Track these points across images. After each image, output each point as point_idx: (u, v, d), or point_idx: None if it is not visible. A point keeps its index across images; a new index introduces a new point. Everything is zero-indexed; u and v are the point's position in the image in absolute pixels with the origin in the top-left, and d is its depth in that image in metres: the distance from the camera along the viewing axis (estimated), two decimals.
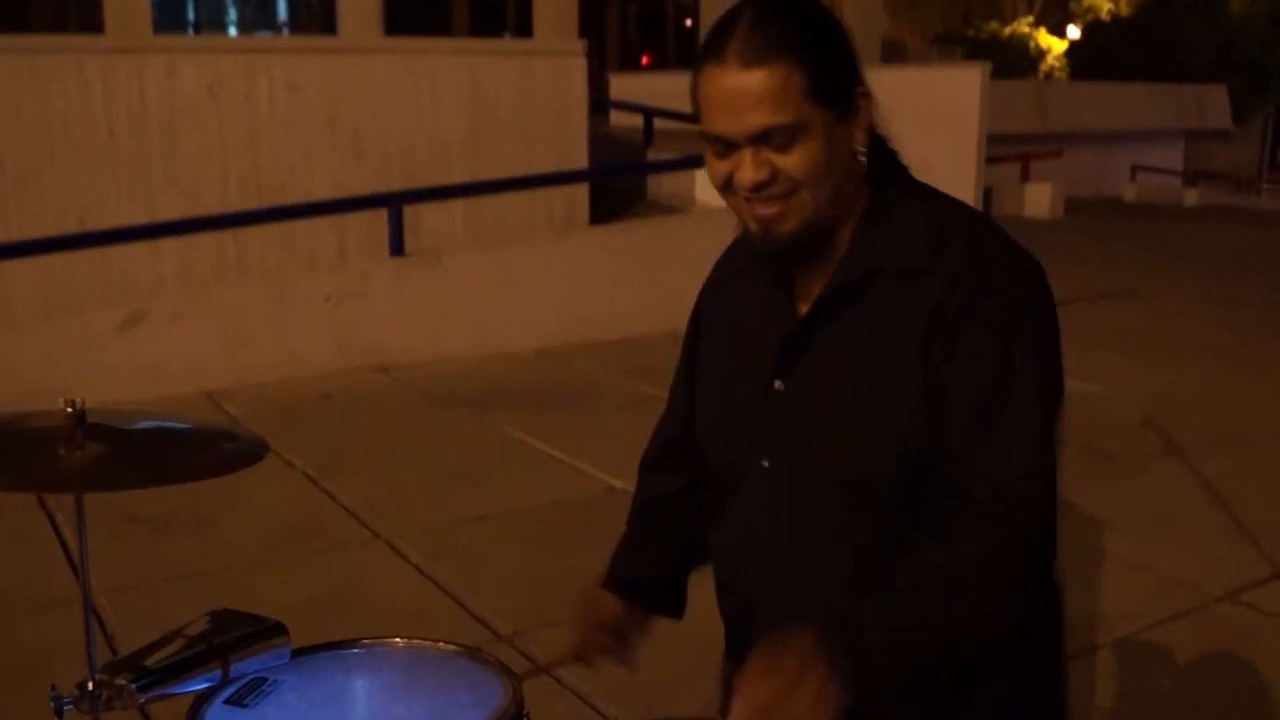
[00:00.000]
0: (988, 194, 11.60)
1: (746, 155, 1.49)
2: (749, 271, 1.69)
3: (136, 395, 6.17)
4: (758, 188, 1.50)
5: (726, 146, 1.51)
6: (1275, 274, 10.37)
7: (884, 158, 1.59)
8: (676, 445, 1.86)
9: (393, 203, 7.46)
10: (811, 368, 1.58)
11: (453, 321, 7.51)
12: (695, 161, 8.65)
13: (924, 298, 1.50)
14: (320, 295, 7.13)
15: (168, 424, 1.70)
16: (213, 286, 7.20)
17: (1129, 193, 16.24)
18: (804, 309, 1.60)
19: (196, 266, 7.29)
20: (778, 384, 1.60)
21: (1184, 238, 12.66)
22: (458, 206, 8.00)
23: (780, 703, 1.37)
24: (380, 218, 7.46)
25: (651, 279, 7.94)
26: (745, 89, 1.46)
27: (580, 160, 8.44)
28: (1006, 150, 13.24)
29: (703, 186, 8.70)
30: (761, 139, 1.48)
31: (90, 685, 1.47)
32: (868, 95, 1.53)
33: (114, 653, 3.90)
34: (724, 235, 1.75)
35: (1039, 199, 13.83)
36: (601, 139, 9.41)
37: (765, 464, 1.61)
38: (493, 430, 6.15)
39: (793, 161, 1.48)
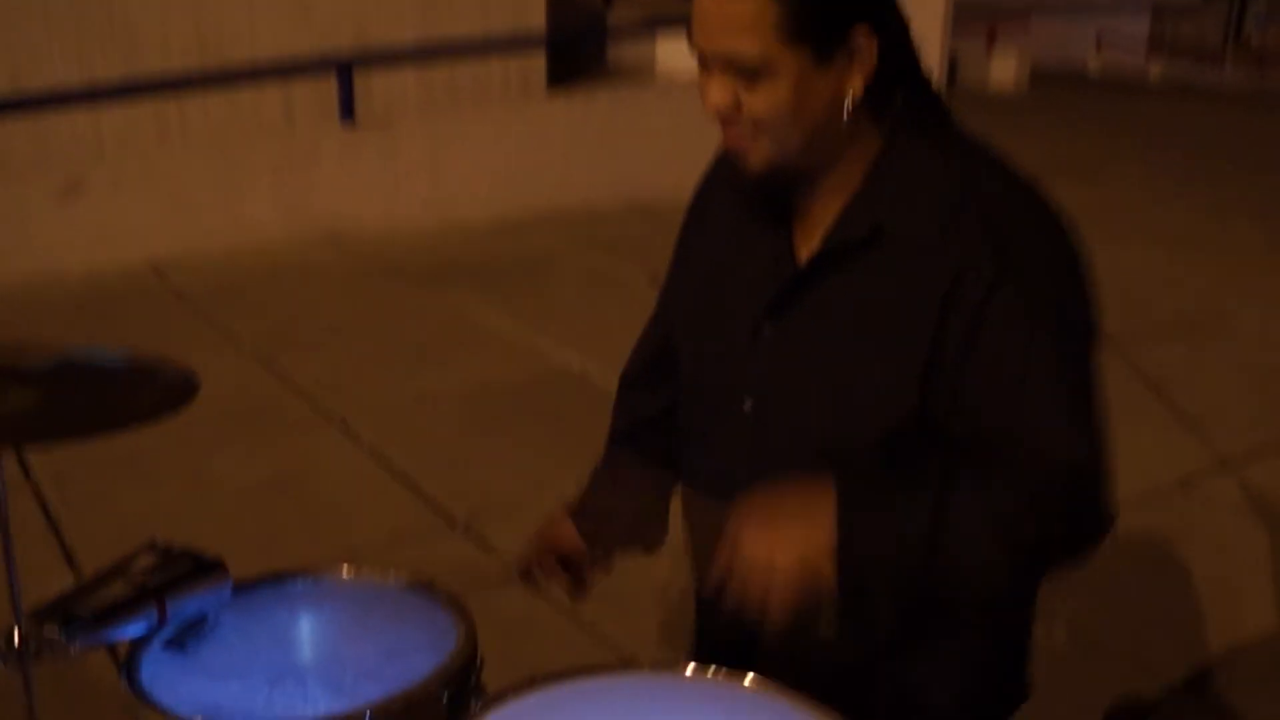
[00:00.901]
0: (952, 65, 11.40)
1: (715, 76, 1.39)
2: (737, 209, 1.58)
3: (78, 266, 6.01)
4: (720, 114, 1.40)
5: (701, 61, 1.40)
6: (1235, 156, 10.30)
7: (916, 102, 1.46)
8: (660, 360, 1.76)
9: (342, 66, 7.21)
10: (806, 318, 1.49)
11: (405, 191, 7.32)
12: (659, 23, 8.43)
13: (938, 272, 1.39)
14: (267, 163, 6.93)
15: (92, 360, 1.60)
16: (154, 153, 6.97)
17: (1094, 63, 16.07)
18: (804, 253, 1.50)
19: (137, 132, 7.03)
20: (768, 329, 1.51)
21: (1144, 115, 12.53)
22: (410, 72, 7.75)
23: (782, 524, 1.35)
24: (329, 81, 7.22)
25: (611, 149, 7.76)
26: (720, 8, 1.34)
27: (538, 23, 8.18)
28: (974, 20, 13.03)
29: (665, 55, 8.47)
30: (728, 65, 1.37)
31: (15, 638, 1.39)
32: (871, 35, 1.37)
33: (61, 540, 3.83)
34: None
35: (1004, 70, 13.62)
36: (560, 1, 9.13)
37: (747, 406, 1.54)
38: (447, 307, 6.04)
39: (755, 101, 1.37)
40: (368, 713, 1.37)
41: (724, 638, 1.68)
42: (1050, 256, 1.42)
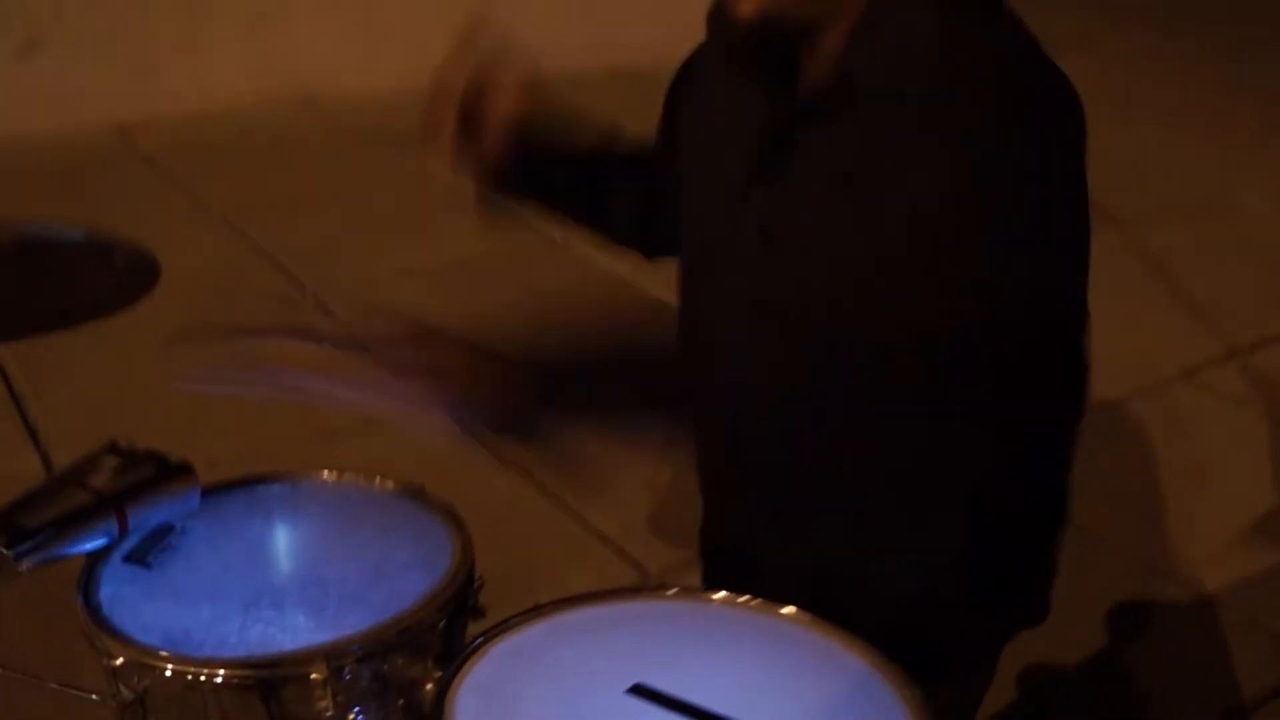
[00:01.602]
0: None
1: None
2: (729, 73, 1.42)
3: (39, 130, 5.73)
4: None
5: None
6: (1244, 32, 10.01)
7: None
8: (642, 171, 1.63)
9: None
10: (792, 181, 1.33)
11: (383, 52, 7.01)
12: None
13: (929, 148, 1.23)
14: (236, 20, 6.60)
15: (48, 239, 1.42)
16: (117, 9, 6.63)
17: None
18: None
19: None
20: (757, 194, 1.36)
21: None
22: None
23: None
24: None
25: (591, 12, 7.46)
26: None
27: None
28: None
29: None
30: None
31: None
32: None
33: (26, 420, 3.67)
34: None
35: None
36: None
37: (742, 284, 1.39)
38: (427, 174, 5.80)
39: None
40: (356, 645, 1.22)
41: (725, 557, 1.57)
42: (1053, 146, 1.27)
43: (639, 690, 1.16)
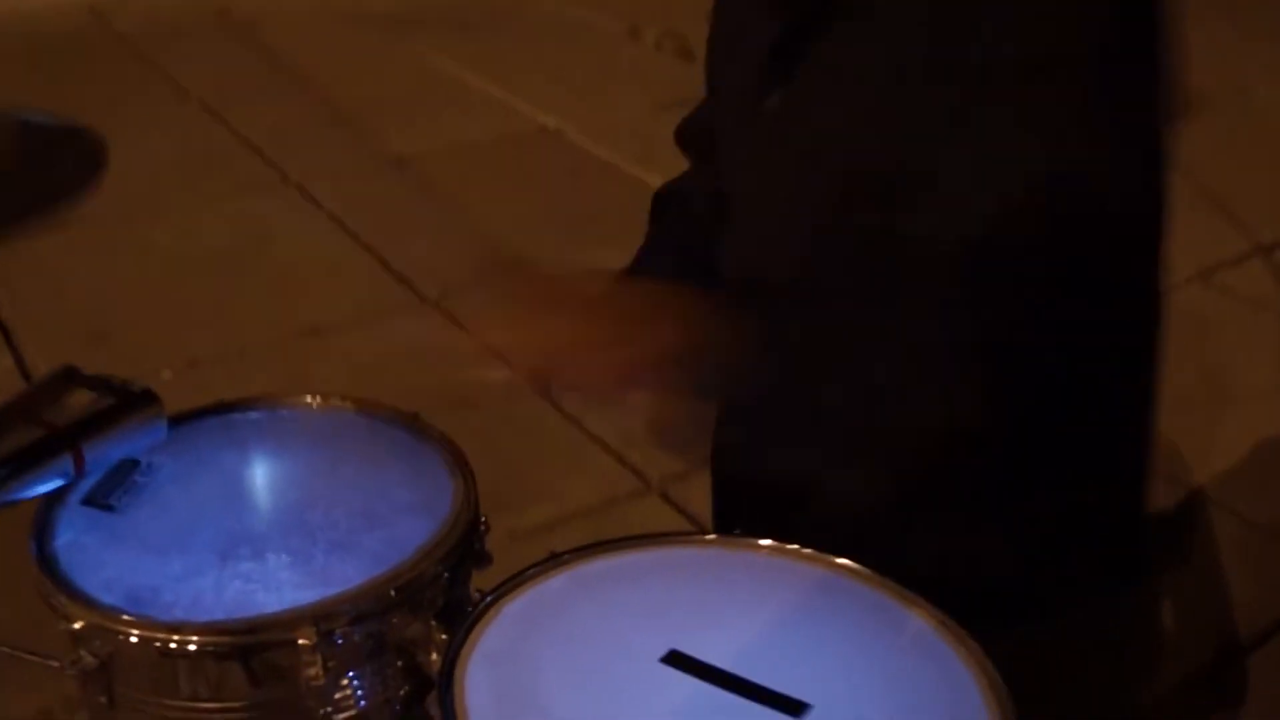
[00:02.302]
0: None
1: None
2: None
3: (6, 7, 5.46)
4: None
5: None
6: None
7: None
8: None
9: None
10: (811, 81, 1.19)
11: None
12: None
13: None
14: None
15: None
16: None
17: None
18: None
19: None
20: (775, 95, 1.21)
21: None
22: None
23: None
24: None
25: None
26: None
27: None
28: None
29: None
30: None
31: None
32: None
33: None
34: None
35: None
36: None
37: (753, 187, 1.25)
38: (413, 57, 5.54)
39: None
40: (348, 605, 1.07)
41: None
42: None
43: (675, 658, 1.01)
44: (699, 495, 2.79)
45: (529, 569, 1.12)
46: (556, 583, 1.11)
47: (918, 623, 1.07)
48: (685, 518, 2.82)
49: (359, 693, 1.11)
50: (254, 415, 1.35)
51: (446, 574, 1.14)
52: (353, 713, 1.12)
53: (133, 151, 4.44)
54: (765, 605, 1.08)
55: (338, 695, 1.10)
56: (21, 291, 3.63)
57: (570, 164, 4.43)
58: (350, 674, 1.10)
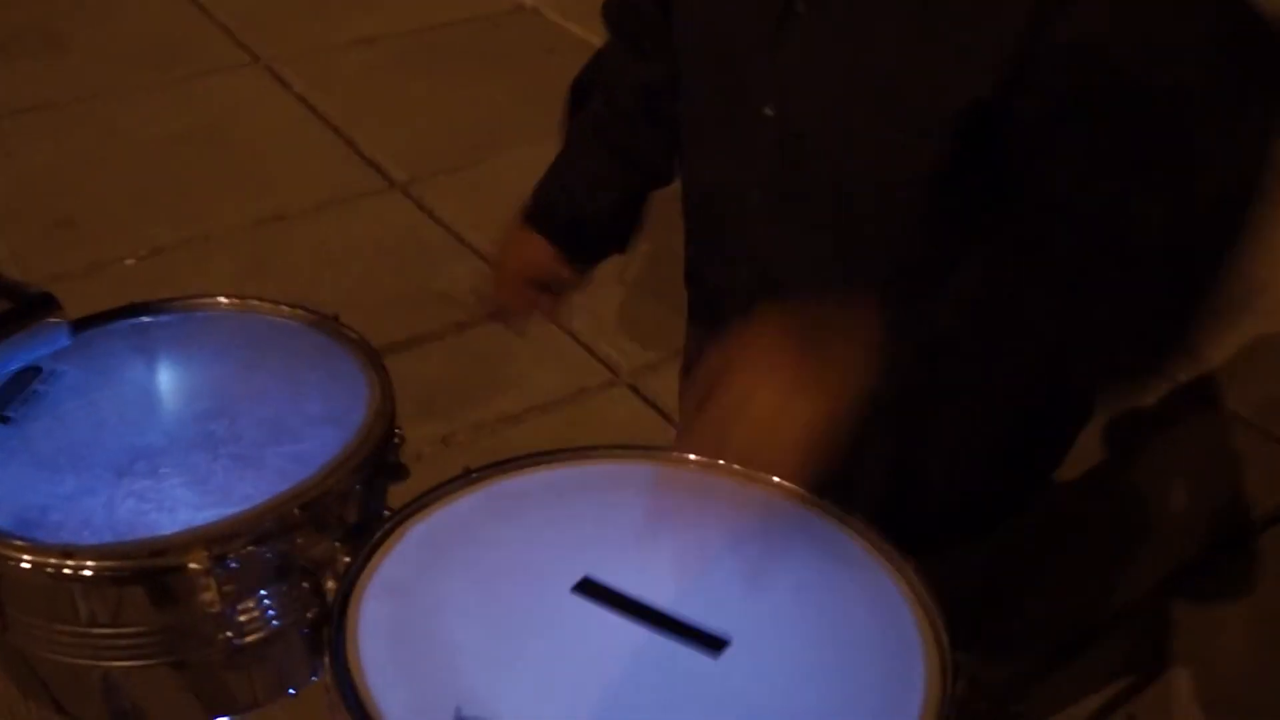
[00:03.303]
0: None
1: None
2: None
3: None
4: None
5: None
6: None
7: None
8: (655, 16, 1.33)
9: None
10: None
11: None
12: None
13: None
14: None
15: None
16: None
17: None
18: None
19: None
20: (801, 5, 1.08)
21: None
22: None
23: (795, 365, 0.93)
24: None
25: None
26: None
27: None
28: None
29: None
30: None
31: None
32: None
33: None
34: None
35: None
36: None
37: (768, 111, 1.12)
38: None
39: None
40: (243, 527, 1.00)
41: None
42: None
43: (588, 587, 0.95)
44: (668, 387, 2.74)
45: (438, 487, 1.05)
46: (467, 503, 1.04)
47: (855, 547, 1.01)
48: (655, 410, 2.76)
49: (263, 616, 1.05)
50: (165, 319, 1.28)
51: (355, 489, 1.08)
52: (258, 636, 1.06)
53: (98, 33, 4.30)
54: (690, 528, 1.02)
55: (239, 619, 1.04)
56: None
57: (547, 42, 4.29)
58: (251, 597, 1.04)
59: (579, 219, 1.39)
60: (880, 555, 1.00)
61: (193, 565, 0.99)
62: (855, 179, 1.09)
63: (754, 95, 1.12)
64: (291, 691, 1.12)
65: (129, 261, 3.22)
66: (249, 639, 1.05)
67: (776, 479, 1.04)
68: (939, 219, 1.07)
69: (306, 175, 3.62)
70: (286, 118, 3.93)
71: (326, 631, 0.91)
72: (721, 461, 1.04)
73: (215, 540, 0.99)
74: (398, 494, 1.16)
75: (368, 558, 0.97)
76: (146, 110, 3.90)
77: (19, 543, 1.00)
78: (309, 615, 1.07)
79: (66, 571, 0.99)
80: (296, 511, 1.03)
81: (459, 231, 3.34)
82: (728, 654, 0.90)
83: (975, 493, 1.27)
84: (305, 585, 1.06)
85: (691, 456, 1.08)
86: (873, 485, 1.18)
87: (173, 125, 3.83)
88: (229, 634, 1.04)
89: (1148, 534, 2.49)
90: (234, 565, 1.00)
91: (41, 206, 3.44)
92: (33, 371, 1.18)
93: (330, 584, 1.02)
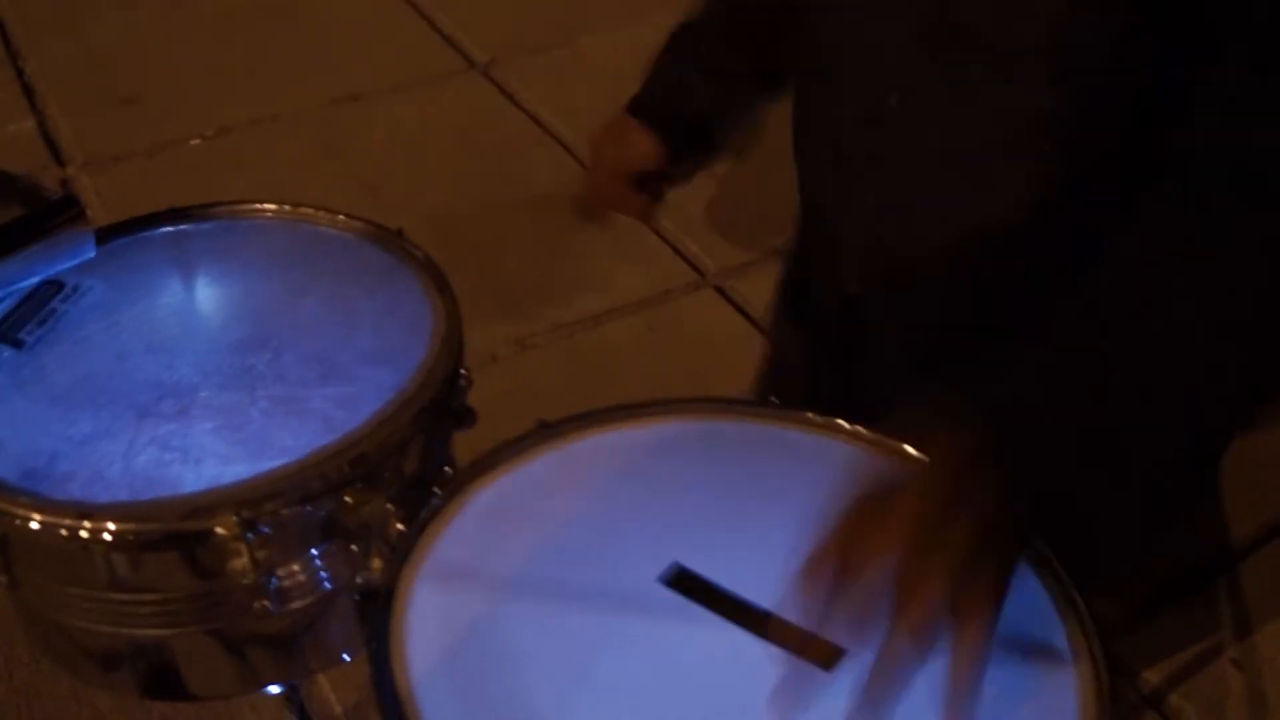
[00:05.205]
0: None
1: None
2: None
3: None
4: None
5: None
6: None
7: None
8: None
9: None
10: None
11: None
12: None
13: None
14: None
15: None
16: None
17: None
18: None
19: None
20: None
21: None
22: None
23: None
24: None
25: None
26: None
27: None
28: None
29: None
30: None
31: None
32: None
33: (21, 74, 3.28)
34: None
35: None
36: None
37: (892, 101, 0.95)
38: None
39: None
40: (279, 488, 0.86)
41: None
42: None
43: (679, 578, 0.79)
44: (757, 289, 2.56)
45: (507, 445, 0.89)
46: (539, 465, 0.88)
47: None
48: (741, 314, 2.59)
49: (309, 581, 0.92)
50: (205, 228, 1.12)
51: (412, 442, 0.93)
52: (303, 603, 0.93)
53: None
54: (807, 502, 0.85)
55: (278, 586, 0.90)
56: (49, 52, 3.41)
57: None
58: (293, 562, 0.90)
59: (693, 116, 1.22)
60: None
61: (219, 530, 0.85)
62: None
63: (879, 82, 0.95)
64: (346, 658, 1.00)
65: (194, 141, 3.09)
66: (292, 605, 0.92)
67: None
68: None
69: (382, 54, 3.45)
70: None
71: (371, 621, 0.77)
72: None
73: (245, 503, 0.85)
74: (464, 441, 1.02)
75: (420, 531, 0.82)
76: None
77: (26, 499, 0.86)
78: (359, 580, 0.93)
79: (83, 534, 0.85)
80: (343, 469, 0.88)
81: (542, 117, 3.16)
82: (844, 666, 0.74)
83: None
84: (355, 548, 0.92)
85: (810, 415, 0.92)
86: None
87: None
88: (265, 602, 0.90)
89: (1266, 475, 2.30)
90: (267, 530, 0.86)
91: (106, 83, 3.31)
92: (53, 287, 1.04)
93: (377, 562, 0.88)
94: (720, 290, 2.68)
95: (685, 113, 1.22)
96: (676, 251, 2.75)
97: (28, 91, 3.30)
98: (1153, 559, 1.11)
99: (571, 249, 2.71)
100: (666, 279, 2.71)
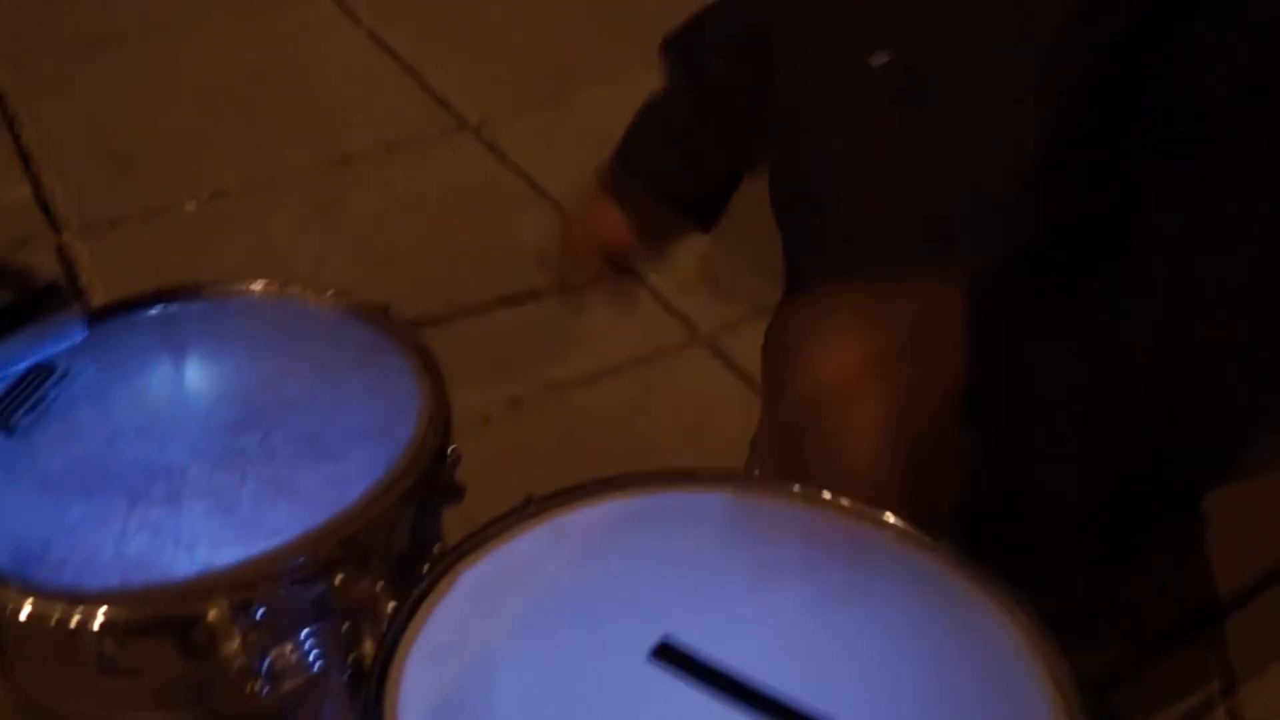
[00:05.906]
0: None
1: None
2: None
3: None
4: None
5: None
6: None
7: None
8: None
9: None
10: None
11: None
12: None
13: None
14: None
15: None
16: None
17: None
18: None
19: None
20: None
21: None
22: None
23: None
24: None
25: None
26: None
27: None
28: None
29: None
30: None
31: None
32: None
33: (16, 137, 3.32)
34: None
35: None
36: None
37: (878, 61, 0.96)
38: None
39: None
40: (275, 569, 0.87)
41: None
42: None
43: (667, 652, 0.80)
44: (749, 348, 2.58)
45: (495, 522, 0.90)
46: (527, 541, 0.89)
47: (985, 614, 0.85)
48: (734, 373, 2.60)
49: (300, 662, 0.92)
50: (196, 308, 1.14)
51: (402, 519, 0.94)
52: (295, 683, 0.93)
53: None
54: (793, 578, 0.86)
55: (269, 668, 0.91)
56: (44, 114, 3.44)
57: None
58: (284, 643, 0.91)
59: (661, 196, 1.23)
60: (983, 593, 0.84)
61: (211, 615, 0.85)
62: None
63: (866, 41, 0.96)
64: None
65: (189, 206, 3.11)
66: (284, 687, 0.93)
67: (891, 517, 0.89)
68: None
69: (377, 115, 3.48)
70: (356, 54, 3.79)
71: (362, 701, 0.78)
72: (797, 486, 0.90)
73: (237, 586, 0.86)
74: (452, 517, 1.03)
75: (411, 610, 0.83)
76: (212, 44, 3.78)
77: (17, 587, 0.87)
78: (350, 658, 0.94)
79: (74, 622, 0.86)
80: (334, 550, 0.89)
81: (534, 177, 3.18)
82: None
83: (1088, 525, 1.10)
84: (347, 625, 0.93)
85: (797, 490, 0.93)
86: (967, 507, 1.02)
87: (238, 60, 3.70)
88: (256, 684, 0.91)
89: (1256, 522, 2.31)
90: (260, 613, 0.87)
91: (101, 144, 3.34)
92: (44, 371, 1.05)
93: (368, 641, 0.89)
94: (714, 347, 2.69)
95: (654, 193, 1.23)
96: (668, 310, 2.77)
97: (23, 157, 3.32)
98: (1140, 606, 1.13)
99: (561, 308, 2.72)
100: (658, 337, 2.72)
